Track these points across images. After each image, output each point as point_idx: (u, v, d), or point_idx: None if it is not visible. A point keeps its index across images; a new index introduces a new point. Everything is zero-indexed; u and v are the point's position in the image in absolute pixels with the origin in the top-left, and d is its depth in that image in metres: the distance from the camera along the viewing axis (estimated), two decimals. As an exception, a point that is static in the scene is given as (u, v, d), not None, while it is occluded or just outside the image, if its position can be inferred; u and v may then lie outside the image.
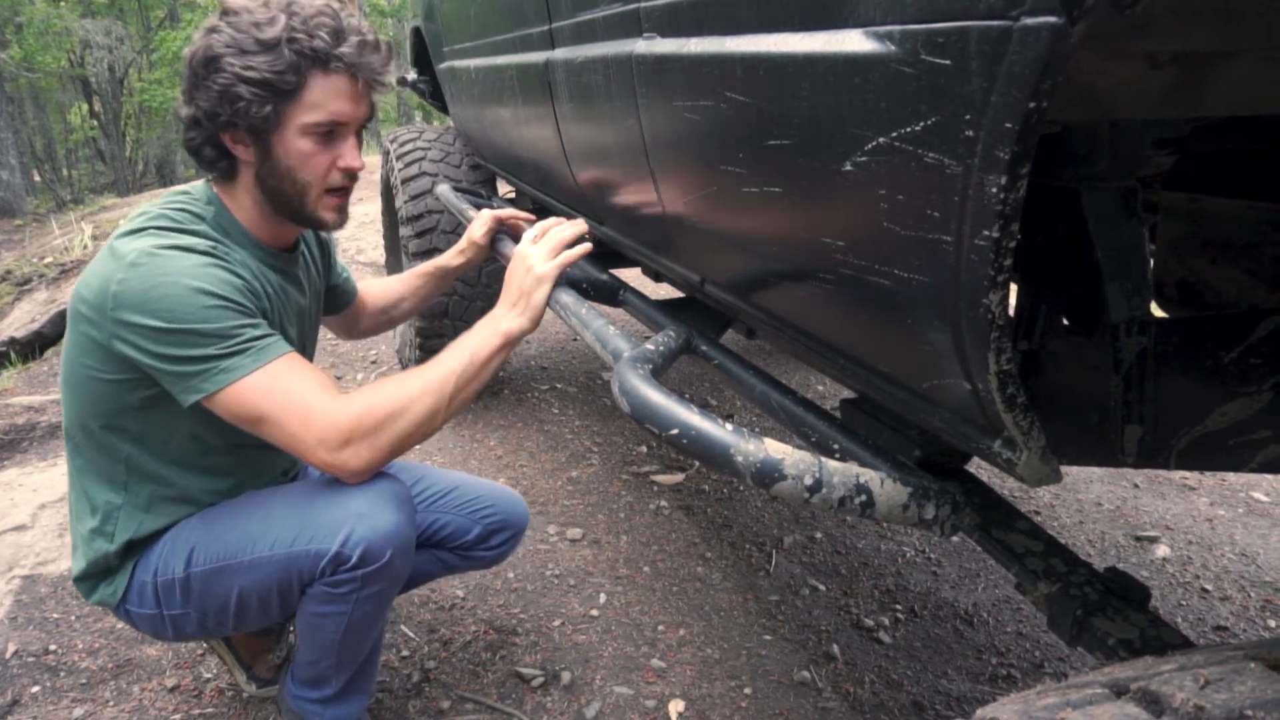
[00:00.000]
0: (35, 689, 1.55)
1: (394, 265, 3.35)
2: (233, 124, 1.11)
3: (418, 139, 2.79)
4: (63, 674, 1.59)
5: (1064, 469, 1.80)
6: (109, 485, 1.20)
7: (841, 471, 0.74)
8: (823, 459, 0.75)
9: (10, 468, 2.49)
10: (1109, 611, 0.82)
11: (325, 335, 3.75)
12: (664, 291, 2.50)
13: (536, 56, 1.49)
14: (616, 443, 2.67)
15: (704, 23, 0.84)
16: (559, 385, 3.15)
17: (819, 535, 2.17)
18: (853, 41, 0.58)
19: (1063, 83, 0.45)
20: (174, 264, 1.07)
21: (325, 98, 1.13)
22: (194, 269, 1.07)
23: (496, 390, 3.03)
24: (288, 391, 1.08)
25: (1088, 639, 0.81)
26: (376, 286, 1.69)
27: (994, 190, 0.50)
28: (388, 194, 3.05)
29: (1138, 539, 2.18)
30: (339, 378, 3.20)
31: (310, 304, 1.38)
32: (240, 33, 1.08)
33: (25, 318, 4.43)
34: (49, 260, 5.70)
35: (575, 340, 3.65)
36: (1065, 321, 0.90)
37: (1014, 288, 0.93)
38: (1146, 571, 2.04)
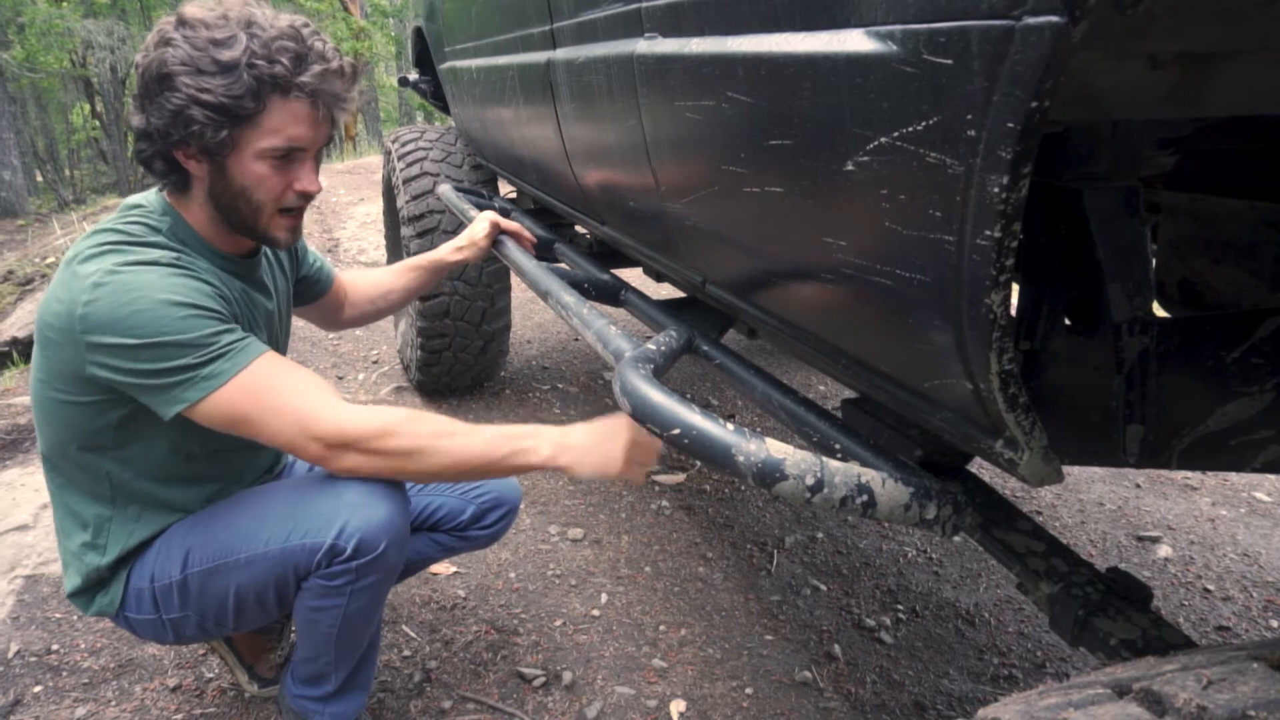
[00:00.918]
0: (38, 689, 1.56)
1: (395, 265, 3.35)
2: (185, 143, 1.07)
3: (419, 139, 2.79)
4: (65, 674, 1.59)
5: (1065, 469, 1.80)
6: (96, 500, 1.19)
7: (843, 471, 0.74)
8: (824, 459, 0.75)
9: (13, 467, 2.49)
10: (1111, 612, 0.82)
11: (326, 335, 3.74)
12: (665, 292, 2.50)
13: (538, 56, 1.49)
14: (618, 443, 2.67)
15: (705, 23, 0.84)
16: (560, 385, 3.15)
17: (820, 535, 2.17)
18: (854, 41, 0.58)
19: (1064, 82, 0.45)
20: (140, 278, 1.04)
21: (284, 123, 1.09)
22: (161, 281, 1.05)
23: (498, 391, 3.04)
24: (276, 391, 1.08)
25: (1090, 639, 0.81)
26: (365, 278, 1.67)
27: (996, 190, 0.50)
28: (389, 194, 3.05)
29: (1140, 539, 2.18)
30: (340, 378, 3.20)
31: (278, 307, 1.35)
32: (197, 50, 1.03)
33: (27, 317, 4.44)
34: (51, 260, 5.71)
35: (576, 340, 3.65)
36: (1067, 321, 0.90)
37: (1016, 288, 0.93)
38: (1148, 572, 2.04)
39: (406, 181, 2.64)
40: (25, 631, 1.71)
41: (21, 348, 3.97)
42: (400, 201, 2.65)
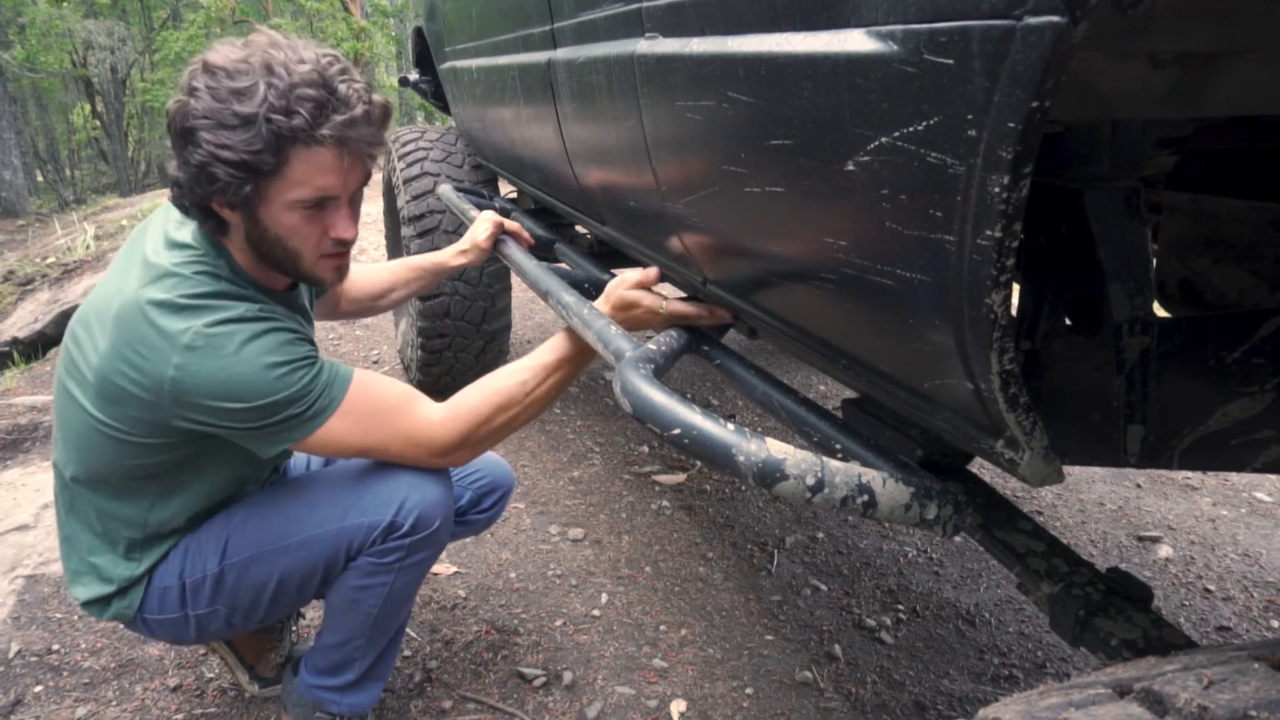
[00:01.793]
0: (38, 688, 1.56)
1: (396, 265, 3.34)
2: (214, 196, 1.05)
3: (420, 139, 2.79)
4: (65, 673, 1.59)
5: (1066, 469, 1.80)
6: (128, 524, 1.19)
7: (844, 471, 0.74)
8: (825, 459, 0.75)
9: (13, 467, 2.49)
10: (1111, 612, 0.82)
11: (328, 336, 3.75)
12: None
13: (539, 56, 1.49)
14: (618, 443, 2.67)
15: (706, 22, 0.84)
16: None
17: (821, 535, 2.17)
18: (855, 41, 0.58)
19: (1065, 82, 0.45)
20: (233, 341, 1.04)
21: (309, 174, 1.05)
22: (253, 340, 1.06)
23: (498, 390, 3.03)
24: (373, 415, 1.16)
25: (1090, 639, 0.81)
26: (364, 273, 1.67)
27: (997, 190, 0.50)
28: (390, 194, 3.05)
29: (1140, 539, 2.18)
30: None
31: (310, 327, 1.37)
32: (219, 102, 1.00)
33: (28, 318, 4.44)
34: (51, 260, 5.71)
35: (577, 340, 3.64)
36: (1068, 321, 0.90)
37: (1016, 288, 0.93)
38: (1149, 572, 2.04)
39: (407, 181, 2.64)
40: (26, 631, 1.71)
41: (23, 348, 3.97)
42: (400, 201, 2.65)
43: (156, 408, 1.06)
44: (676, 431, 0.78)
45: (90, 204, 10.37)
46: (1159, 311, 0.91)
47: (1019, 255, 0.66)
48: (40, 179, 16.93)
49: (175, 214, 1.16)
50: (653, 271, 1.30)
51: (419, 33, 2.93)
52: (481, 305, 2.68)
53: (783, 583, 1.95)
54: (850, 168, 0.63)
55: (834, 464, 0.74)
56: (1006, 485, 2.35)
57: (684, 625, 1.78)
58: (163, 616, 1.22)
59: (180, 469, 1.18)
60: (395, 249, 3.27)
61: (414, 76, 3.28)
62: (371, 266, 1.70)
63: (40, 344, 4.02)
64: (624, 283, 1.28)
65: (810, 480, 0.72)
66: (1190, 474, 2.56)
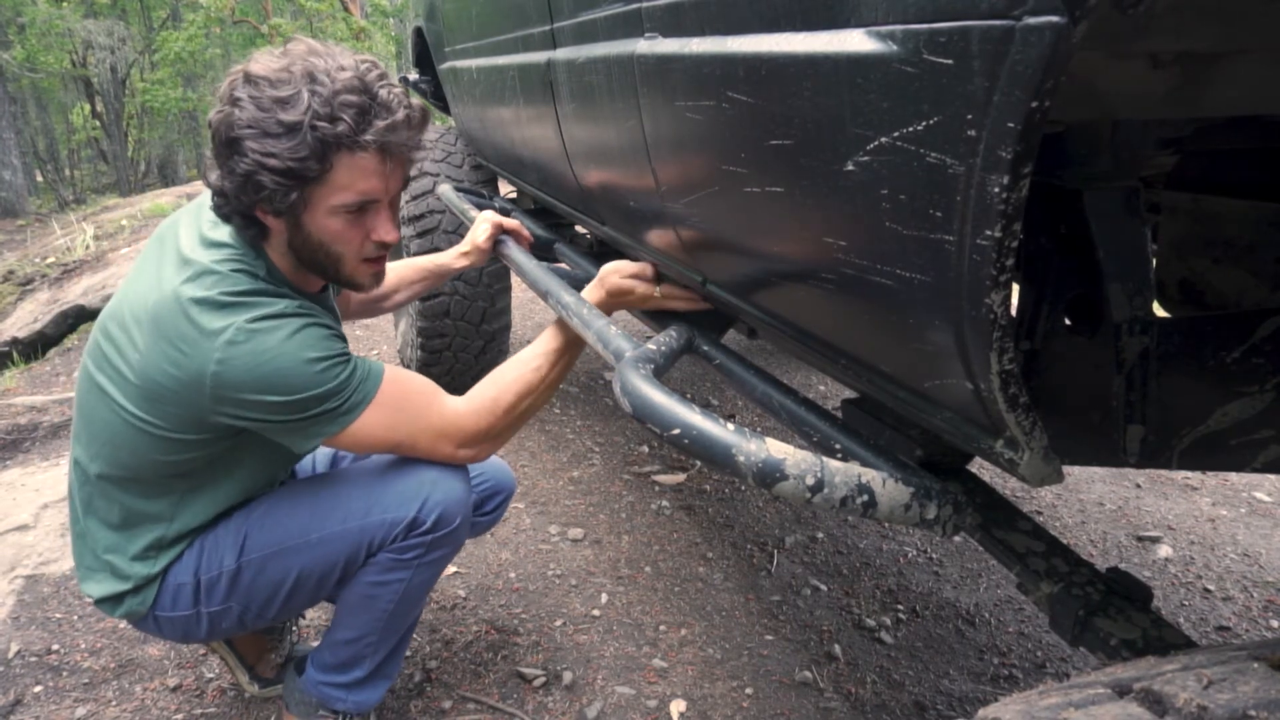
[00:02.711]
0: (38, 689, 1.56)
1: (396, 265, 3.35)
2: (259, 204, 1.07)
3: (419, 139, 2.78)
4: (65, 674, 1.59)
5: (1066, 469, 1.79)
6: (154, 520, 1.20)
7: (843, 471, 0.74)
8: (824, 459, 0.75)
9: (13, 468, 2.49)
10: (1111, 612, 0.82)
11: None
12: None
13: (538, 56, 1.49)
14: (618, 443, 2.67)
15: (706, 22, 0.84)
16: (560, 385, 3.15)
17: (820, 535, 2.17)
18: (855, 41, 0.58)
19: (1065, 82, 0.45)
20: (275, 336, 1.06)
21: (353, 179, 1.07)
22: (295, 336, 1.07)
23: (498, 390, 3.03)
24: (402, 410, 1.17)
25: (1090, 639, 0.81)
26: None
27: (996, 190, 0.50)
28: (389, 194, 3.05)
29: (1140, 539, 2.18)
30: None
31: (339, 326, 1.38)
32: (263, 111, 1.01)
33: (28, 318, 4.44)
34: (51, 260, 5.70)
35: (577, 340, 3.64)
36: (1067, 321, 0.90)
37: (1016, 288, 0.93)
38: (1149, 572, 2.04)
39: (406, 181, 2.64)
40: (25, 631, 1.71)
41: (22, 348, 3.97)
42: (400, 201, 2.65)
43: (196, 404, 1.07)
44: (676, 431, 0.78)
45: (90, 204, 10.36)
46: (1159, 311, 0.91)
47: (1019, 255, 0.66)
48: (40, 179, 16.92)
49: (207, 213, 1.16)
50: (649, 266, 1.31)
51: (419, 33, 2.93)
52: (481, 305, 2.68)
53: (782, 583, 1.95)
54: (850, 168, 0.63)
55: (834, 464, 0.74)
56: (1006, 485, 2.35)
57: (684, 625, 1.78)
58: (175, 614, 1.22)
59: (213, 466, 1.18)
60: (395, 248, 3.27)
61: (414, 76, 3.27)
62: None
63: (40, 344, 4.01)
64: (619, 270, 1.31)
65: (810, 480, 0.72)
66: (1190, 474, 2.56)
